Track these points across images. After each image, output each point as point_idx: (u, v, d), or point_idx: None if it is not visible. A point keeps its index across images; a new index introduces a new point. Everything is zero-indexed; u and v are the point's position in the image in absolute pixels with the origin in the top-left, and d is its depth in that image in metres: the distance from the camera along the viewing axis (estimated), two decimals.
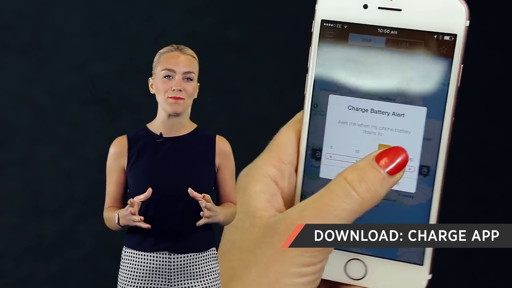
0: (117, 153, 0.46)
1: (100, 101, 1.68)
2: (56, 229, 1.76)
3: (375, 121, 0.34)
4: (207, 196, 0.36)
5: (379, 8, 0.35)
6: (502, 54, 2.23)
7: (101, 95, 1.67)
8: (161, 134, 0.41)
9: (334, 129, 0.35)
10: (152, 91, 0.47)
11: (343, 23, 0.35)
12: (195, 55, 0.42)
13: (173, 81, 0.41)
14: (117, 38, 1.55)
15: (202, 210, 0.37)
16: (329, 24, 0.36)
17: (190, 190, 0.37)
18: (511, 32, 1.57)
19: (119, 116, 1.68)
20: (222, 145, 0.43)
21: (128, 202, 0.40)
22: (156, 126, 0.42)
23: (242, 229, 0.35)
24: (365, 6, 0.35)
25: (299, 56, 2.08)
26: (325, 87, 0.36)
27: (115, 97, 1.73)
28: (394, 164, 0.32)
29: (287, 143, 0.36)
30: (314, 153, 0.36)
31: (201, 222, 0.37)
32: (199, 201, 0.36)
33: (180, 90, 0.40)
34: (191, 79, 0.41)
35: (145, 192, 0.40)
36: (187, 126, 0.42)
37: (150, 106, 1.16)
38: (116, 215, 0.41)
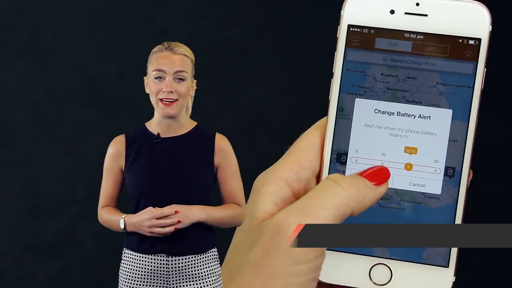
0: (115, 153, 0.45)
1: (100, 101, 1.68)
2: (56, 229, 1.76)
3: (401, 124, 0.35)
4: (176, 209, 0.36)
5: (405, 13, 0.36)
6: (502, 54, 2.23)
7: (100, 95, 1.67)
8: (158, 134, 0.40)
9: (360, 132, 0.35)
10: (147, 90, 0.47)
11: (369, 28, 0.36)
12: (187, 53, 0.42)
13: (164, 82, 0.40)
14: (117, 38, 1.55)
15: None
16: (356, 29, 0.36)
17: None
18: (511, 33, 1.56)
19: (119, 116, 1.68)
20: (221, 144, 0.43)
21: (147, 211, 0.40)
22: (153, 126, 0.42)
23: (244, 232, 0.35)
24: (392, 12, 0.36)
25: (299, 56, 2.08)
26: (351, 91, 0.36)
27: (115, 97, 1.72)
28: (376, 173, 0.33)
29: (308, 148, 0.36)
30: (339, 157, 0.36)
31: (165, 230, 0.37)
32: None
33: (172, 92, 0.39)
34: (183, 79, 0.40)
35: (144, 192, 0.40)
36: (185, 126, 0.42)
37: (149, 106, 1.16)
38: (120, 220, 0.40)
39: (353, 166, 0.36)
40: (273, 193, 0.35)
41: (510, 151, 1.99)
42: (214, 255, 0.40)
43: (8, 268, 1.53)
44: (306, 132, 0.37)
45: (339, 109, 0.36)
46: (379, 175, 0.33)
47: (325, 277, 0.35)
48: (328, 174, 0.36)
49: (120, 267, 0.48)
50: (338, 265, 0.34)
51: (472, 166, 0.35)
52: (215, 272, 0.38)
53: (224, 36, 1.60)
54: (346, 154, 0.36)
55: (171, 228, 0.39)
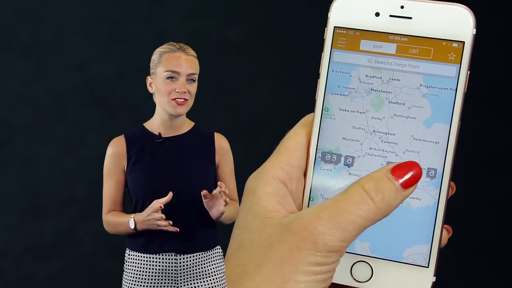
0: (115, 154, 0.45)
1: (100, 101, 1.68)
2: (56, 229, 1.76)
3: (384, 124, 0.35)
4: (225, 188, 0.36)
5: (390, 16, 0.36)
6: (501, 55, 2.22)
7: (101, 95, 1.67)
8: (160, 134, 0.40)
9: (344, 132, 0.36)
10: (150, 90, 0.47)
11: (355, 30, 0.37)
12: (195, 55, 0.42)
13: (177, 83, 0.40)
14: (117, 38, 1.55)
15: (205, 209, 0.37)
16: (342, 31, 0.37)
17: (204, 192, 0.37)
18: (511, 33, 1.58)
19: (119, 116, 1.68)
20: (221, 143, 0.43)
21: (150, 207, 0.40)
22: (155, 126, 0.42)
23: (252, 229, 0.35)
24: (377, 14, 0.36)
25: (299, 56, 2.09)
26: (336, 92, 0.37)
27: (115, 97, 1.73)
28: (408, 177, 0.34)
29: (295, 147, 0.37)
30: (324, 156, 0.37)
31: (215, 214, 0.37)
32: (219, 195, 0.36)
33: (185, 92, 0.40)
34: (194, 80, 0.41)
35: (148, 193, 0.40)
36: (185, 125, 0.42)
37: (149, 106, 1.17)
38: (130, 220, 0.40)
39: (338, 165, 0.37)
40: (272, 193, 0.36)
41: (510, 151, 2.00)
42: (219, 252, 0.40)
43: (8, 268, 1.53)
44: (292, 131, 0.38)
45: (325, 109, 0.37)
46: (411, 176, 0.34)
47: None
48: (313, 173, 0.37)
49: (124, 269, 0.48)
50: None
51: (455, 168, 0.35)
52: (220, 270, 0.38)
53: (224, 36, 1.61)
54: (331, 153, 0.37)
55: (171, 228, 0.39)
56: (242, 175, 1.47)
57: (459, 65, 0.35)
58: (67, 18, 1.45)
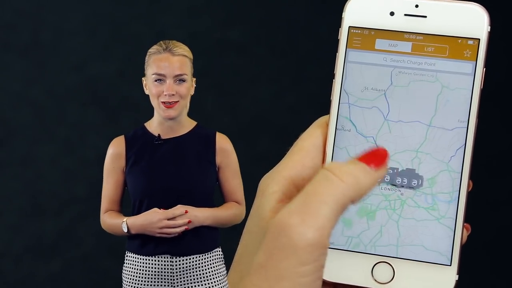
0: (115, 155, 0.45)
1: (100, 101, 1.68)
2: (56, 229, 1.76)
3: (401, 125, 0.36)
4: (187, 212, 0.36)
5: (405, 15, 0.36)
6: (502, 55, 2.22)
7: (101, 95, 1.67)
8: (159, 135, 0.40)
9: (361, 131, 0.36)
10: (146, 91, 0.47)
11: (370, 29, 0.37)
12: (186, 53, 0.41)
13: (165, 85, 0.40)
14: (117, 38, 1.55)
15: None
16: (356, 31, 0.37)
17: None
18: (511, 34, 1.57)
19: (119, 116, 1.68)
20: (222, 143, 0.43)
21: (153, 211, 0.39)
22: (154, 127, 0.42)
23: (253, 234, 0.34)
24: (392, 13, 0.36)
25: (299, 56, 2.09)
26: (352, 92, 0.37)
27: (115, 97, 1.73)
28: (374, 155, 0.33)
29: (310, 148, 0.36)
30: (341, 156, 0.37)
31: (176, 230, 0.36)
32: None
33: (173, 94, 0.39)
34: (183, 80, 0.40)
35: (145, 194, 0.40)
36: (185, 126, 0.41)
37: (149, 106, 1.17)
38: (122, 224, 0.40)
39: None
40: (278, 191, 0.35)
41: (510, 152, 2.00)
42: (219, 254, 0.40)
43: (8, 268, 1.53)
44: (306, 132, 0.37)
45: (340, 109, 0.37)
46: (377, 157, 0.33)
47: (328, 276, 0.35)
48: None
49: (123, 270, 0.48)
50: (340, 263, 0.34)
51: (474, 166, 0.35)
52: (219, 272, 0.38)
53: (224, 36, 1.61)
54: (347, 153, 0.36)
55: (182, 228, 0.39)
56: (242, 174, 1.47)
57: (475, 62, 0.36)
58: (67, 18, 1.45)
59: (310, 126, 0.37)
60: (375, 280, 0.35)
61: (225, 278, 0.41)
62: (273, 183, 0.35)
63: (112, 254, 2.00)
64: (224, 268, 1.29)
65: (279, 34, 1.75)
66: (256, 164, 1.56)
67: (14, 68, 1.53)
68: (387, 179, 0.35)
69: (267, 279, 0.31)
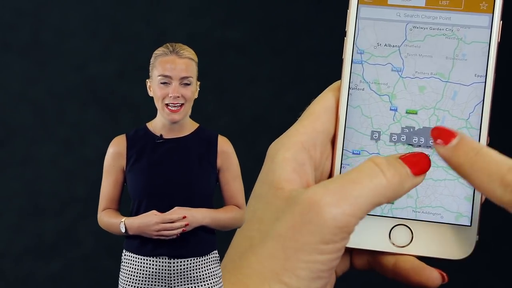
0: (116, 153, 0.45)
1: (100, 101, 1.68)
2: (56, 229, 1.76)
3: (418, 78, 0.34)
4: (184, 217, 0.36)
5: None
6: (503, 54, 2.21)
7: (101, 95, 1.68)
8: (161, 135, 0.40)
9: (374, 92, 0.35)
10: (150, 93, 0.46)
11: None
12: (192, 56, 0.41)
13: (170, 87, 0.40)
14: (117, 38, 1.55)
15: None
16: None
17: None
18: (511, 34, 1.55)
19: (119, 116, 1.68)
20: (224, 146, 0.42)
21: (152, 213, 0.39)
22: (157, 128, 0.41)
23: (264, 199, 0.34)
24: None
25: (299, 56, 2.08)
26: (365, 48, 0.35)
27: (115, 97, 1.72)
28: (417, 164, 0.32)
29: (321, 111, 0.35)
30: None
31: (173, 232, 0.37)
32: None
33: (178, 97, 0.39)
34: (189, 84, 0.40)
35: (144, 193, 0.40)
36: (188, 127, 0.41)
37: (150, 106, 1.16)
38: (120, 224, 0.40)
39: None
40: (290, 158, 0.34)
41: (511, 151, 1.97)
42: (216, 257, 0.39)
43: (8, 268, 1.53)
44: (319, 96, 0.36)
45: (353, 69, 0.35)
46: (420, 164, 0.32)
47: None
48: (343, 139, 0.35)
49: (121, 270, 0.48)
50: (356, 228, 0.33)
51: (492, 125, 0.34)
52: (216, 274, 0.38)
53: (224, 36, 1.60)
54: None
55: (180, 230, 0.39)
56: (242, 175, 1.47)
57: (492, 14, 0.34)
58: (67, 18, 1.45)
59: (325, 90, 0.36)
60: (393, 244, 0.34)
61: (221, 280, 0.41)
62: (283, 148, 0.34)
63: (112, 254, 2.00)
64: (220, 270, 1.30)
65: (279, 34, 1.75)
66: (256, 165, 1.55)
67: (14, 68, 1.52)
68: (403, 139, 0.34)
69: (284, 249, 0.30)
